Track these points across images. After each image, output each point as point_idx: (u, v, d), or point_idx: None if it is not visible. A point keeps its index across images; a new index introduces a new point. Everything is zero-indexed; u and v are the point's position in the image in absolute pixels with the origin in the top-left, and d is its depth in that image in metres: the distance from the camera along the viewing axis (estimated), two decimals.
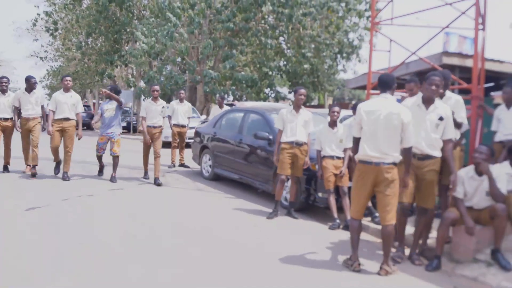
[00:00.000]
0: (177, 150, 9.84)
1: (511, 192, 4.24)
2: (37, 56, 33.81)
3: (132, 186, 7.45)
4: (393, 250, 4.17)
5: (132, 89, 29.42)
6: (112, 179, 7.64)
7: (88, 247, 4.17)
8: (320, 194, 5.74)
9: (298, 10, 16.89)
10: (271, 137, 6.53)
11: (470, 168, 4.22)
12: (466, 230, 3.99)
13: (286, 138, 5.70)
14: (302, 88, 5.87)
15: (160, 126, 7.90)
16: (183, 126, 9.68)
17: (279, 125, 5.82)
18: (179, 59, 20.88)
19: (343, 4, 18.27)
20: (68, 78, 7.82)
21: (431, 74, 4.12)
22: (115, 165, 7.79)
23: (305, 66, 17.66)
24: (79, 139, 7.75)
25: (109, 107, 7.76)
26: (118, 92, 7.97)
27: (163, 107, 7.99)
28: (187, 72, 22.45)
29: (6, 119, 7.70)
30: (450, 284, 3.69)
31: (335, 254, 4.34)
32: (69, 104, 7.59)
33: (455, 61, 8.43)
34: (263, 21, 18.67)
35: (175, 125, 9.65)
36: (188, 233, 4.85)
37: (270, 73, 18.26)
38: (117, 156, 7.78)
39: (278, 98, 20.18)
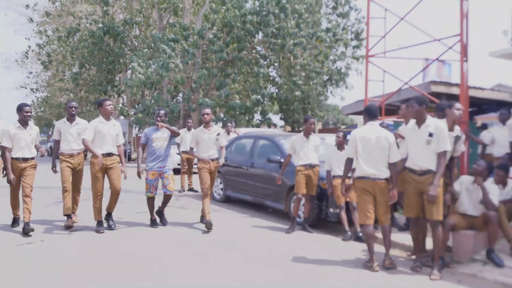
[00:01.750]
0: (186, 176, 10.45)
1: (503, 202, 5.01)
2: (25, 88, 34.25)
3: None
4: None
5: (122, 117, 30.17)
6: (164, 221, 6.67)
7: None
8: (331, 210, 6.42)
9: (289, 40, 17.89)
10: (282, 160, 7.22)
11: (468, 179, 4.99)
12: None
13: (301, 161, 6.39)
14: (311, 118, 6.66)
15: (218, 159, 6.58)
16: None
17: (291, 150, 6.54)
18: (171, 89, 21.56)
19: (330, 34, 19.37)
20: (109, 103, 6.32)
21: (412, 98, 4.81)
22: (165, 204, 6.70)
23: (296, 93, 18.55)
24: (125, 178, 6.35)
25: (159, 136, 6.52)
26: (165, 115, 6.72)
27: (218, 134, 6.63)
28: (180, 100, 23.30)
29: (26, 160, 6.00)
30: (455, 280, 4.36)
31: (351, 259, 4.99)
32: (113, 135, 6.25)
33: (442, 89, 9.36)
34: (254, 51, 19.64)
35: (183, 152, 10.26)
36: (226, 246, 5.46)
37: (261, 100, 19.08)
38: (171, 195, 6.64)
39: (270, 124, 20.97)
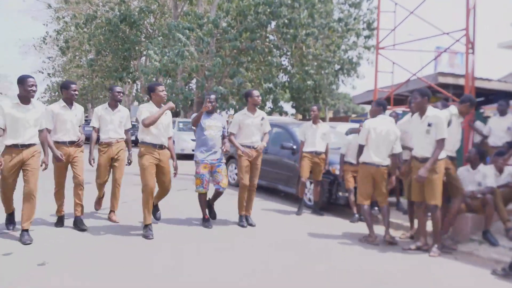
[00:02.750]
0: None
1: (499, 187, 5.41)
2: (42, 72, 34.96)
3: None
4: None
5: (136, 103, 30.78)
6: (213, 214, 6.16)
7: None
8: (340, 193, 6.86)
9: (301, 31, 18.17)
10: (294, 147, 7.65)
11: (465, 167, 5.47)
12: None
13: (308, 148, 6.83)
14: (314, 105, 7.04)
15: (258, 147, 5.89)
16: None
17: (302, 137, 6.96)
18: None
19: (342, 24, 19.59)
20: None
21: (415, 90, 5.16)
22: (215, 198, 6.07)
23: (308, 82, 18.86)
24: (175, 176, 5.53)
25: (213, 124, 5.77)
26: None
27: (262, 118, 5.99)
28: (193, 88, 23.77)
29: (73, 143, 5.40)
30: (452, 257, 4.79)
31: (357, 239, 5.44)
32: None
33: (449, 80, 9.66)
34: (267, 40, 19.94)
35: None
36: (239, 230, 5.94)
37: (274, 88, 19.43)
38: (223, 192, 5.94)
39: (281, 112, 21.35)
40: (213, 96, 5.81)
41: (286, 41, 18.44)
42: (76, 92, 5.42)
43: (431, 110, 4.97)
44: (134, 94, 27.55)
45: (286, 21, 17.89)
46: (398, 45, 8.92)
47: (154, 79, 23.49)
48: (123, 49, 23.88)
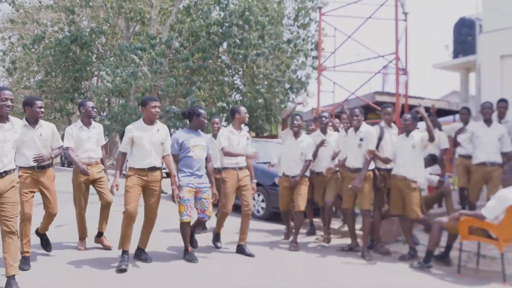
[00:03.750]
0: None
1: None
2: None
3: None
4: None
5: None
6: (194, 242, 5.53)
7: None
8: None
9: (252, 51, 18.90)
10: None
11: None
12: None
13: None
14: (216, 117, 6.78)
15: (245, 168, 5.58)
16: None
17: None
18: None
19: (291, 45, 20.50)
20: (157, 104, 4.91)
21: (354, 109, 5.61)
22: (196, 227, 5.47)
23: (260, 100, 19.52)
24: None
25: (199, 143, 5.16)
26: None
27: (248, 138, 5.67)
28: None
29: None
30: (379, 256, 5.37)
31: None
32: (156, 143, 4.93)
33: (385, 98, 10.50)
34: (219, 60, 20.51)
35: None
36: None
37: (227, 107, 19.94)
38: (206, 221, 5.32)
39: None
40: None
41: (237, 61, 19.09)
42: (42, 110, 4.73)
43: (364, 126, 5.54)
44: None
45: (237, 41, 18.56)
46: (338, 67, 9.66)
47: (106, 100, 23.37)
48: (74, 70, 23.68)
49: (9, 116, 4.01)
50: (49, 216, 4.97)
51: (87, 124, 5.41)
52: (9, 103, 3.93)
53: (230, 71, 20.03)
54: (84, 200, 5.36)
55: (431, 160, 6.25)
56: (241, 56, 18.72)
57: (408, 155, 5.22)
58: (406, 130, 5.30)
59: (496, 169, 5.90)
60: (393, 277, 4.66)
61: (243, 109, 5.62)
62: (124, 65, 18.90)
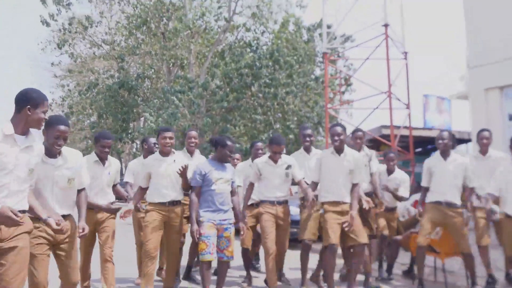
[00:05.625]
0: None
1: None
2: None
3: None
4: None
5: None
6: None
7: None
8: None
9: (282, 90, 20.17)
10: None
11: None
12: None
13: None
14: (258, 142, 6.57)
15: (287, 202, 5.35)
16: None
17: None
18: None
19: (320, 81, 21.62)
20: (167, 135, 4.86)
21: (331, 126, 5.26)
22: (222, 277, 4.80)
23: (290, 136, 20.60)
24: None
25: (224, 176, 4.79)
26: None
27: (288, 167, 5.26)
28: None
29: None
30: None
31: None
32: (176, 176, 4.81)
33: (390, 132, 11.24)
34: (252, 99, 21.91)
35: None
36: None
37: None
38: (228, 262, 4.81)
39: None
40: (232, 144, 4.87)
41: (267, 99, 20.37)
42: (109, 147, 4.64)
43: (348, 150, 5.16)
44: (133, 153, 29.45)
45: (267, 81, 19.92)
46: (343, 104, 10.62)
47: None
48: (122, 112, 25.91)
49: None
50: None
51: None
52: (109, 147, 4.53)
53: (262, 109, 21.29)
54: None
55: (417, 188, 6.98)
56: (271, 95, 19.99)
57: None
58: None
59: None
60: None
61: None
62: (165, 107, 20.67)
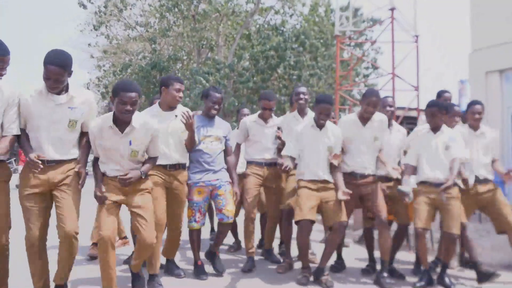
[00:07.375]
0: None
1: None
2: None
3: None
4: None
5: None
6: (219, 266, 4.48)
7: None
8: None
9: (306, 72, 20.58)
10: None
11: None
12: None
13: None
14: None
15: (275, 164, 4.38)
16: None
17: None
18: None
19: (344, 64, 21.84)
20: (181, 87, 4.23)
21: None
22: (220, 238, 4.48)
23: None
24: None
25: (212, 133, 4.38)
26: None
27: (279, 128, 4.78)
28: None
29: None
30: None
31: None
32: (179, 134, 4.18)
33: (400, 113, 11.53)
34: (278, 80, 22.38)
35: None
36: None
37: None
38: (230, 224, 4.37)
39: None
40: (218, 95, 4.34)
41: (292, 81, 20.82)
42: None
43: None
44: None
45: (292, 63, 20.35)
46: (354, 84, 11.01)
47: None
48: (154, 92, 26.85)
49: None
50: None
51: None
52: (128, 107, 3.51)
53: (286, 90, 21.74)
54: None
55: None
56: (295, 77, 20.42)
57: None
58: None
59: None
60: None
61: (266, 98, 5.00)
62: (193, 87, 21.47)
